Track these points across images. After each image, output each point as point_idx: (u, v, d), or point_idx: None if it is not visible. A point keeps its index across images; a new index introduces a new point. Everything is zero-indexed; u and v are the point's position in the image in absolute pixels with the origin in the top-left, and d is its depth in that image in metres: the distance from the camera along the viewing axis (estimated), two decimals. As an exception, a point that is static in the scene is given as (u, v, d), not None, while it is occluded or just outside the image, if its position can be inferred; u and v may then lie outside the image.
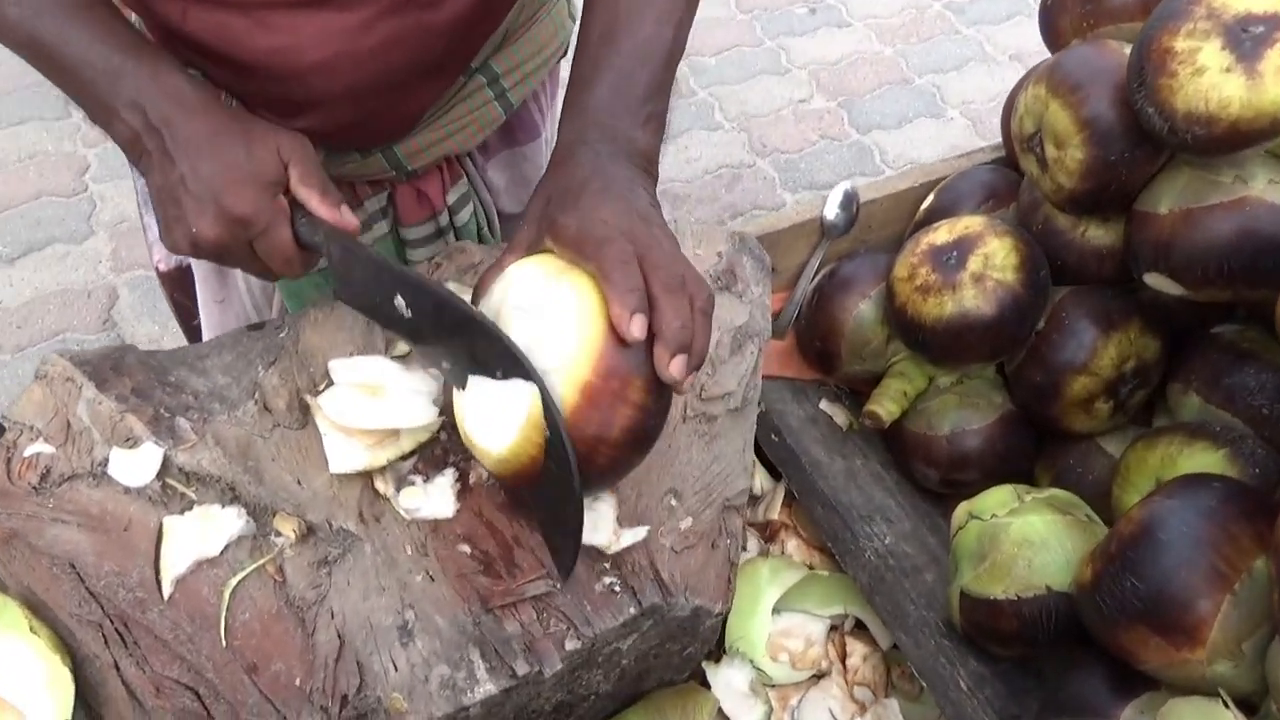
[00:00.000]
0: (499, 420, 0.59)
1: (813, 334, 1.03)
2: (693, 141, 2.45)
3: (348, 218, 0.69)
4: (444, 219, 0.96)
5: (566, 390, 0.58)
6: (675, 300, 0.59)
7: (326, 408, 0.71)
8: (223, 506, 0.67)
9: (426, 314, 0.63)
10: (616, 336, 0.58)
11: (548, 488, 0.60)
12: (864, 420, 0.97)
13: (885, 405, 0.97)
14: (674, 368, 0.58)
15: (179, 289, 1.08)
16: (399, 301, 0.64)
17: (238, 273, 0.98)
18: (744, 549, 0.89)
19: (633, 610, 0.66)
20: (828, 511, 0.91)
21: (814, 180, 2.38)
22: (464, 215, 0.96)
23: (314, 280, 0.93)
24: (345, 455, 0.70)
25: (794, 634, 0.87)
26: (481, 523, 0.69)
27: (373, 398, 0.72)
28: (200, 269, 1.00)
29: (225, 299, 1.00)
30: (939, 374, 0.98)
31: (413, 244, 0.97)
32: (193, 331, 1.09)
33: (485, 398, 0.60)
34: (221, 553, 0.66)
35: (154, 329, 1.99)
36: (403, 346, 0.78)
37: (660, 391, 0.60)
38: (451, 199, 0.95)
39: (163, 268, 1.14)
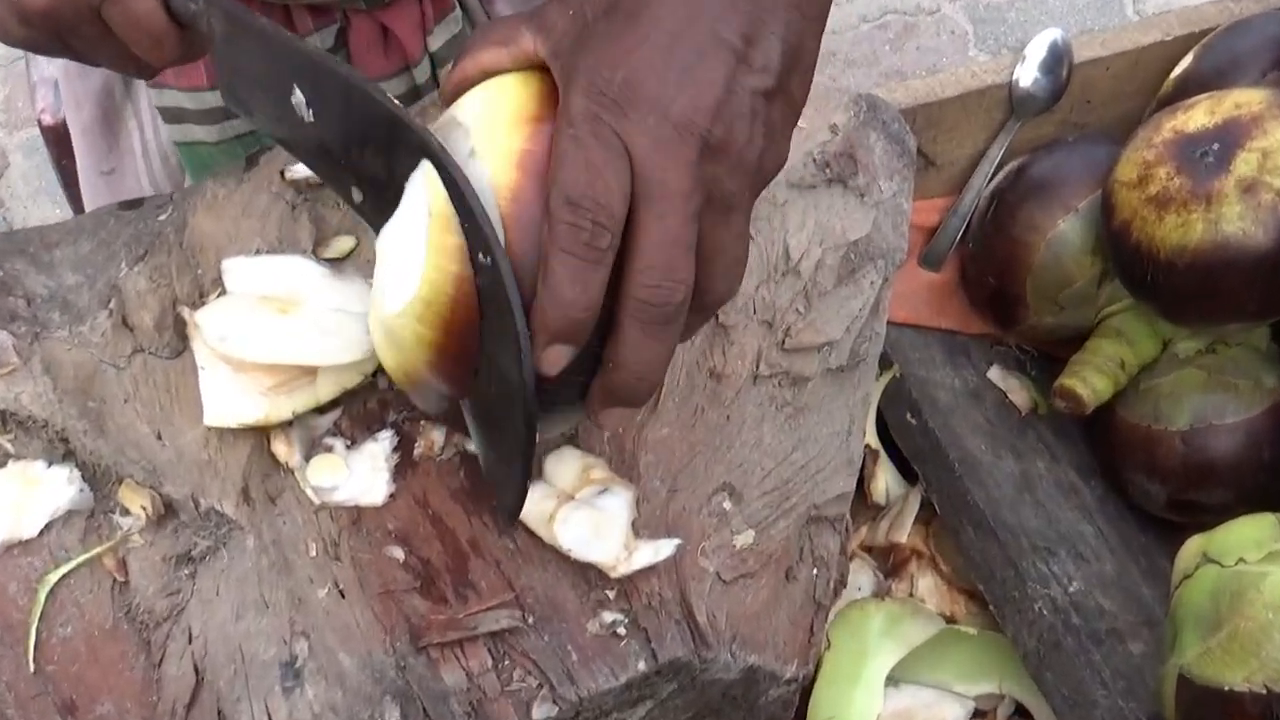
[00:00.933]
0: (401, 255, 0.57)
1: (984, 264, 1.05)
2: (845, -28, 2.42)
3: None
4: (423, 72, 0.95)
5: (497, 167, 0.56)
6: (654, 334, 0.55)
7: (210, 328, 0.70)
8: (48, 465, 0.68)
9: (333, 115, 0.62)
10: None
11: (482, 353, 0.57)
12: (1055, 401, 0.98)
13: (1090, 380, 0.97)
14: (603, 416, 0.59)
15: (67, 150, 1.10)
16: (297, 97, 0.63)
17: (133, 129, 0.99)
18: (843, 584, 0.86)
19: (643, 666, 0.64)
20: (984, 537, 0.91)
21: (1027, 38, 2.29)
22: None
23: (231, 150, 0.93)
24: (230, 401, 0.69)
25: (918, 718, 0.88)
26: (425, 516, 0.68)
27: (282, 317, 0.71)
28: (78, 118, 1.01)
29: (115, 169, 1.01)
30: (1177, 336, 0.99)
31: None
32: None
33: (392, 233, 0.59)
34: (41, 534, 0.66)
35: (54, 211, 2.04)
36: (339, 245, 0.78)
37: None
38: (436, 43, 0.94)
39: (47, 119, 1.17)
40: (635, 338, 0.55)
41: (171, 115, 0.90)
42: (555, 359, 0.55)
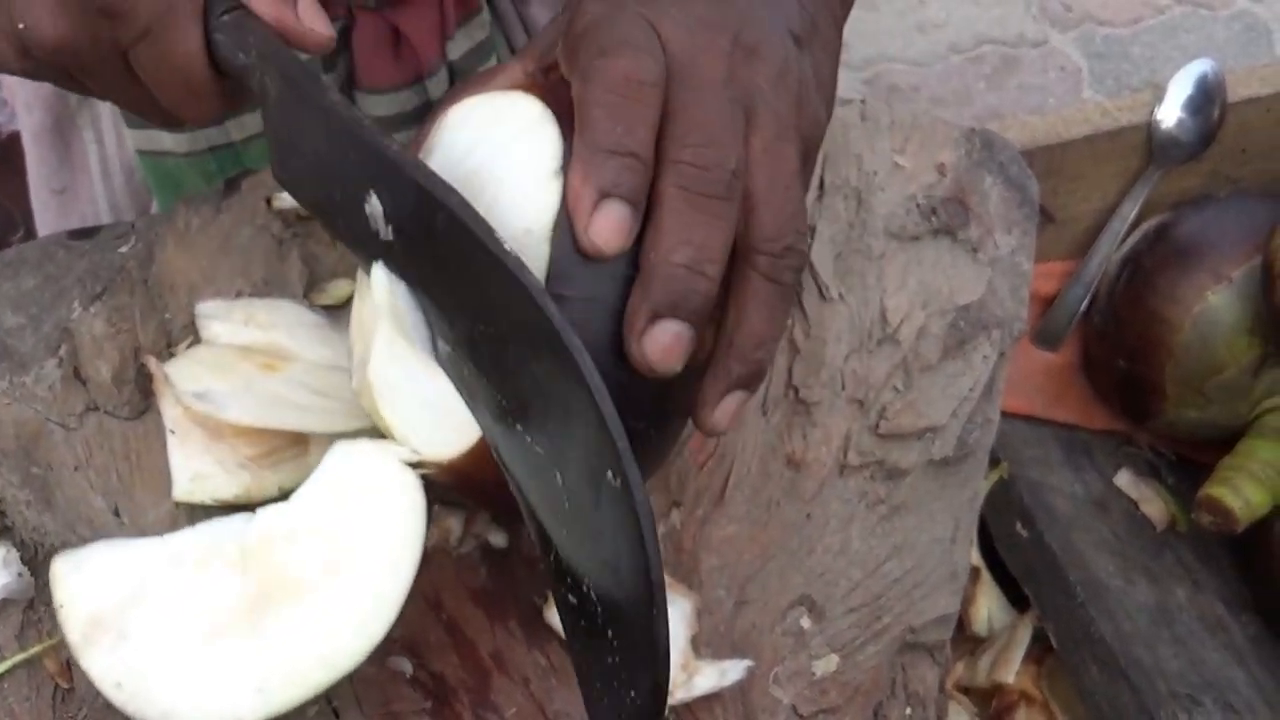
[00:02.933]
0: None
1: (1112, 344, 1.05)
2: (935, -5, 2.45)
3: (314, 23, 0.68)
4: (438, 85, 0.96)
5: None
6: (704, 210, 0.56)
7: (182, 384, 0.71)
8: (-19, 543, 0.68)
9: (415, 230, 0.61)
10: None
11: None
12: (1199, 515, 0.97)
13: (1242, 490, 0.96)
14: (650, 351, 0.55)
15: (13, 165, 1.14)
16: (373, 205, 0.61)
17: (89, 141, 1.00)
18: None
19: (704, 819, 0.65)
20: (1113, 680, 0.91)
21: (1153, 78, 2.34)
22: None
23: (204, 165, 0.94)
24: (204, 473, 0.70)
25: None
26: (439, 621, 0.69)
27: (268, 374, 0.72)
28: (30, 130, 1.02)
29: (68, 187, 1.02)
30: (1354, 437, 0.98)
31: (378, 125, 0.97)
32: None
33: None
34: (-34, 627, 0.66)
35: None
36: (335, 291, 0.78)
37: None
38: (457, 51, 0.96)
39: (-3, 130, 1.18)
40: (680, 209, 0.56)
41: (136, 118, 0.90)
42: (659, 346, 0.55)
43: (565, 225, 0.57)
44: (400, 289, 0.61)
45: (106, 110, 0.95)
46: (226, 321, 0.75)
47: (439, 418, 0.61)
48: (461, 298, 0.59)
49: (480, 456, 0.60)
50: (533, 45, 0.65)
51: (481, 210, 0.57)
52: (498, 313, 0.57)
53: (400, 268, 0.63)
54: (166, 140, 0.91)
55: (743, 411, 0.59)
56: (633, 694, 0.56)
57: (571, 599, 0.58)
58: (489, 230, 0.56)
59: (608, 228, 0.55)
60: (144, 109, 0.70)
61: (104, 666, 0.61)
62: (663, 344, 0.55)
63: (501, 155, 0.61)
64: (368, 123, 0.61)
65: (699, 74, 0.58)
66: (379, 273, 0.61)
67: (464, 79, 0.65)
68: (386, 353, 0.61)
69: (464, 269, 0.58)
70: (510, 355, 0.57)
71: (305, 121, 0.64)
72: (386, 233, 0.61)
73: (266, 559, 0.62)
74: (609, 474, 0.53)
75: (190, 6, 0.65)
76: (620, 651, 0.56)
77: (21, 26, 0.64)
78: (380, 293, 0.61)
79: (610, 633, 0.56)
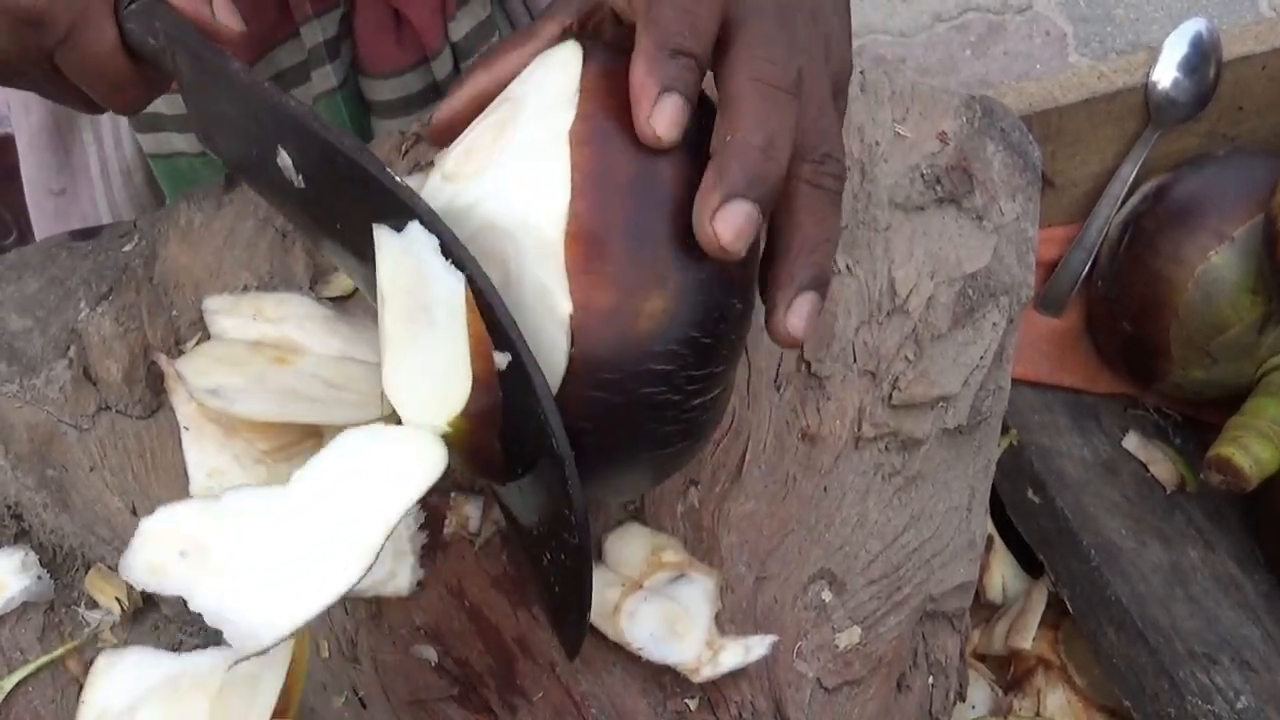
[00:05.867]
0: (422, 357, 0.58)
1: (1116, 307, 1.05)
2: (918, -33, 2.45)
3: (227, 19, 0.70)
4: (443, 66, 0.96)
5: (552, 254, 0.57)
6: (775, 100, 0.57)
7: (195, 380, 0.71)
8: (-2, 547, 0.68)
9: (321, 176, 0.63)
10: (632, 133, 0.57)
11: (527, 483, 0.59)
12: (1208, 475, 0.97)
13: (1251, 449, 0.97)
14: (723, 230, 0.55)
15: (5, 168, 1.14)
16: (284, 159, 0.64)
17: (89, 143, 1.00)
18: (962, 697, 0.85)
19: (734, 793, 0.65)
20: (1130, 641, 0.91)
21: (1139, 41, 2.35)
22: None
23: (217, 162, 0.93)
24: (220, 469, 0.70)
25: None
26: (462, 609, 0.69)
27: (280, 367, 0.72)
28: (25, 125, 1.02)
29: (67, 189, 1.02)
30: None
31: (383, 109, 0.98)
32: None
33: (397, 313, 0.59)
34: (-9, 630, 0.66)
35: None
36: (341, 282, 0.78)
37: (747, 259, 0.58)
38: (459, 32, 0.96)
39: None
40: (756, 99, 0.57)
41: (146, 123, 0.91)
42: (731, 227, 0.56)
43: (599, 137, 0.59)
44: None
45: (105, 114, 0.95)
46: (235, 316, 0.75)
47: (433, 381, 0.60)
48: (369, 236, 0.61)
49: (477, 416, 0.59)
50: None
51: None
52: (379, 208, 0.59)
53: (314, 214, 0.65)
54: (178, 141, 0.93)
55: (817, 319, 0.59)
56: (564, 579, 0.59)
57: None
58: (380, 165, 0.58)
59: (668, 119, 0.57)
60: (73, 103, 0.72)
61: None
62: (735, 224, 0.55)
63: (535, 90, 0.62)
64: (268, 84, 0.63)
65: (752, 9, 0.60)
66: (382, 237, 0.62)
67: (504, 39, 0.66)
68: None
69: (364, 205, 0.60)
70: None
71: (216, 91, 0.67)
72: (299, 181, 0.64)
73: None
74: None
75: (103, 4, 0.69)
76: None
77: None
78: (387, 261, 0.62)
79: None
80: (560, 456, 0.55)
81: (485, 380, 0.55)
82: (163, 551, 0.54)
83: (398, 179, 0.58)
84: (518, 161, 0.60)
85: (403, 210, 0.59)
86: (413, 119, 0.96)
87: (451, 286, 0.56)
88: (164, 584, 0.54)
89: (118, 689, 0.64)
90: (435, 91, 0.97)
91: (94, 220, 1.00)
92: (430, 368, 0.58)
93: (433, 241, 0.57)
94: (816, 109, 0.60)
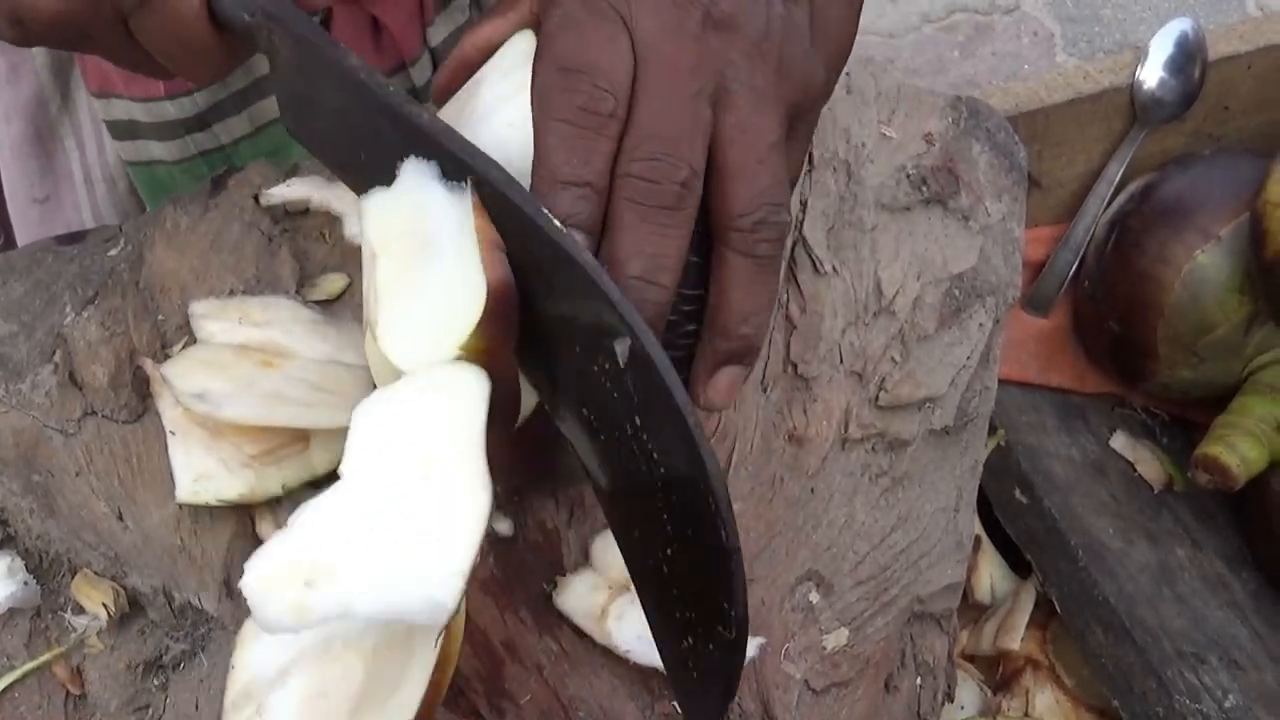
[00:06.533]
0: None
1: (1102, 307, 1.05)
2: (904, -34, 2.45)
3: None
4: (421, 72, 0.97)
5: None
6: (653, 218, 0.56)
7: (181, 385, 0.70)
8: (-15, 553, 0.68)
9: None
10: None
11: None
12: (1195, 474, 0.98)
13: (1238, 448, 0.97)
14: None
15: None
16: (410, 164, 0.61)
17: (71, 149, 1.00)
18: (950, 698, 0.84)
19: (722, 796, 0.64)
20: (1118, 641, 0.91)
21: (1126, 40, 2.35)
22: None
23: (195, 170, 0.94)
24: (207, 474, 0.69)
25: None
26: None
27: (267, 371, 0.72)
28: (6, 134, 1.01)
29: (50, 196, 1.01)
30: (1349, 391, 0.99)
31: None
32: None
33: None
34: (-23, 637, 0.66)
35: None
36: (328, 285, 0.78)
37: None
38: (437, 37, 0.96)
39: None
40: (632, 223, 0.56)
41: (122, 130, 0.91)
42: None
43: None
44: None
45: (87, 118, 0.95)
46: (221, 320, 0.75)
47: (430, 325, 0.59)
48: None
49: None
50: None
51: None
52: (554, 288, 0.58)
53: None
54: (156, 149, 0.92)
55: (739, 388, 0.60)
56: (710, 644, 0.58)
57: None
58: (531, 200, 0.57)
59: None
60: (146, 69, 0.70)
61: None
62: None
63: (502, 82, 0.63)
64: (392, 88, 0.61)
65: (664, 66, 0.58)
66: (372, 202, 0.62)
67: (482, 14, 0.67)
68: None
69: (506, 236, 0.58)
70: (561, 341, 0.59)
71: (321, 81, 0.65)
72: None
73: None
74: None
75: None
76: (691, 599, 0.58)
77: None
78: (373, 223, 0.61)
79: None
80: (729, 550, 0.55)
81: (500, 287, 0.55)
82: (289, 594, 0.53)
83: (548, 215, 0.57)
84: (489, 109, 0.62)
85: (555, 248, 0.57)
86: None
87: (457, 203, 0.57)
88: (315, 616, 0.52)
89: (266, 655, 0.62)
90: (414, 96, 0.96)
91: (78, 227, 0.99)
92: (436, 301, 0.57)
93: (433, 169, 0.58)
94: (753, 165, 0.59)
